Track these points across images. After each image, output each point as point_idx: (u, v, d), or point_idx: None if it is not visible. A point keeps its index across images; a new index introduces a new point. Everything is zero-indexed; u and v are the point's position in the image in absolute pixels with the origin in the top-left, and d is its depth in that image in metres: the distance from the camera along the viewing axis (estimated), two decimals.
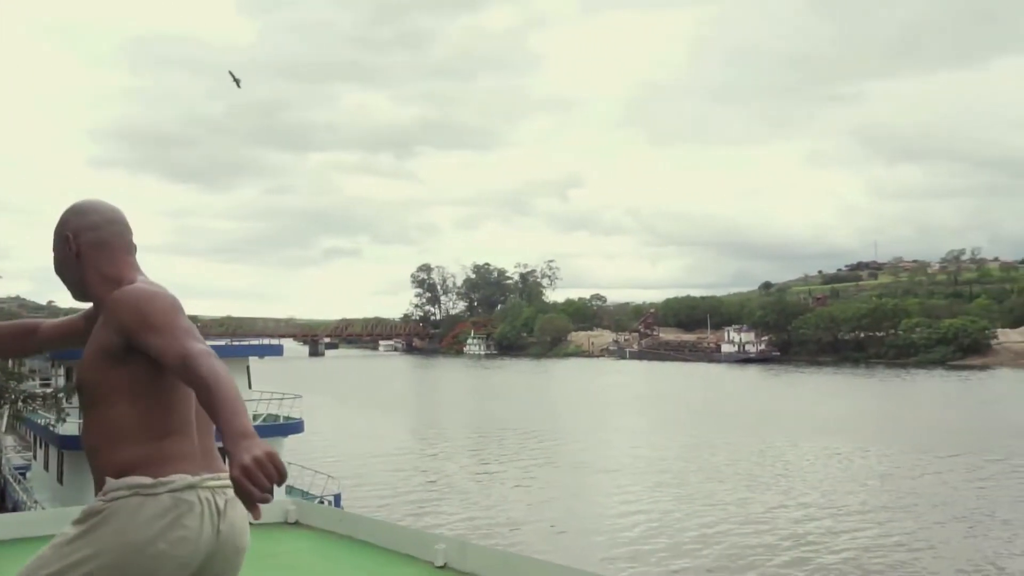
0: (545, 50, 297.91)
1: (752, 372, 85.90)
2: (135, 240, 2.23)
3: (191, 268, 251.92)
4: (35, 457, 22.81)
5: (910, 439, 35.05)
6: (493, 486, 27.00)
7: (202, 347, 1.88)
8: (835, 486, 26.05)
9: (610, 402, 56.07)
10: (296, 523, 4.26)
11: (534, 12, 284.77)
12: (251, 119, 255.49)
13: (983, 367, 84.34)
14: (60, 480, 18.93)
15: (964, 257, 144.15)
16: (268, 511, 4.50)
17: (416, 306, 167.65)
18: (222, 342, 23.73)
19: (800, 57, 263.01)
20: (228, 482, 1.86)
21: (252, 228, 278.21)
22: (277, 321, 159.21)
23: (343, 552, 3.93)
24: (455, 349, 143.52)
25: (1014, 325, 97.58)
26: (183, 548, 1.91)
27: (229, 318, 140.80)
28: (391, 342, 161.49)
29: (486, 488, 26.69)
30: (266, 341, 34.98)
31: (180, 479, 1.95)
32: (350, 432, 38.49)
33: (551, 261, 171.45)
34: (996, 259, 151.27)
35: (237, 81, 32.48)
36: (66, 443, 17.98)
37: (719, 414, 46.46)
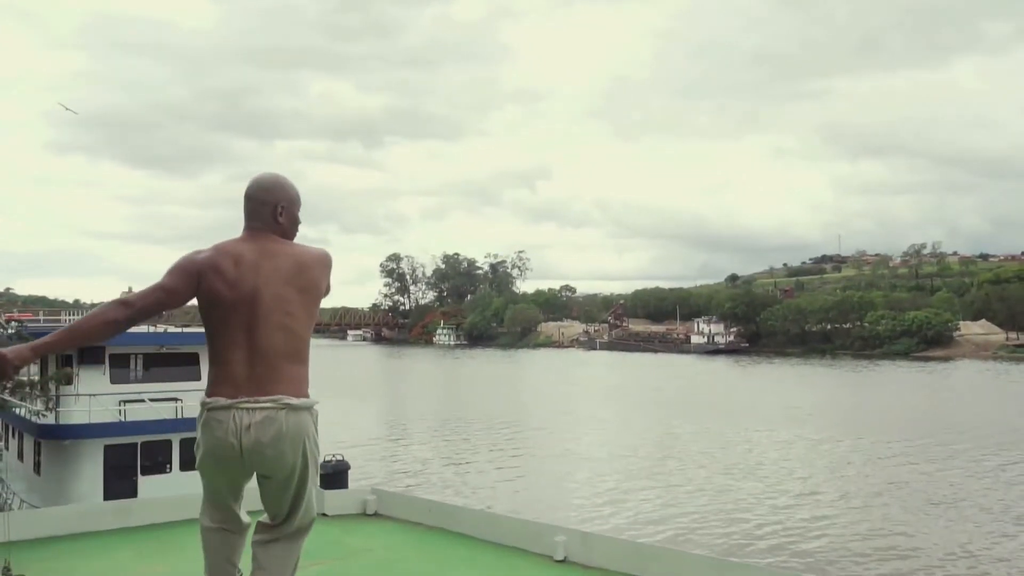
0: (514, 42, 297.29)
1: (722, 363, 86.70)
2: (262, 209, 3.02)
3: (155, 255, 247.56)
4: (7, 447, 22.00)
5: (875, 427, 35.77)
6: (470, 473, 27.00)
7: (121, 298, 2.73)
8: (801, 470, 26.56)
9: (583, 392, 56.13)
10: (376, 514, 3.93)
11: (503, 3, 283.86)
12: (215, 105, 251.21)
13: (946, 358, 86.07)
14: (37, 471, 18.26)
15: (925, 251, 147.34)
16: (344, 502, 4.19)
17: (385, 296, 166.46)
18: (201, 329, 23.14)
19: (766, 54, 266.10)
20: (261, 404, 2.72)
21: (217, 216, 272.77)
22: None
23: (441, 545, 3.50)
24: (424, 339, 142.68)
25: (974, 318, 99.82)
26: (219, 449, 2.75)
27: (195, 306, 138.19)
28: (360, 332, 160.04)
29: (462, 475, 26.68)
30: None
31: (214, 401, 2.74)
32: (324, 421, 37.93)
33: (521, 252, 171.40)
34: (955, 253, 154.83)
35: (69, 110, 33.60)
36: (44, 432, 17.34)
37: (691, 403, 46.78)
